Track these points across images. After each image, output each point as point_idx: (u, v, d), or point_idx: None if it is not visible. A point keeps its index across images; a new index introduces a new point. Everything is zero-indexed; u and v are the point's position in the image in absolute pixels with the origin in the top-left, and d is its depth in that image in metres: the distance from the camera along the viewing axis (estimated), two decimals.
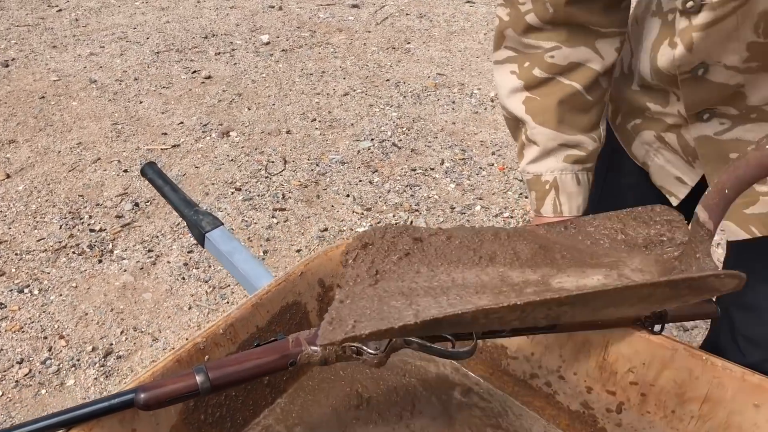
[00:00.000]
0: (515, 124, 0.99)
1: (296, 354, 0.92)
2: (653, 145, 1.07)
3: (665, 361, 0.99)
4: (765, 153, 0.62)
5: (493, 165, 2.74)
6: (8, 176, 2.65)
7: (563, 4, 0.88)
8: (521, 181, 1.01)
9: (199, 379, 0.87)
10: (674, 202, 1.12)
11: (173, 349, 1.95)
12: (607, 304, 0.69)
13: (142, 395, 0.86)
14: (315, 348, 0.92)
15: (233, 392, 1.06)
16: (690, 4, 0.77)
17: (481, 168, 2.72)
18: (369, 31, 4.21)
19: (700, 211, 0.72)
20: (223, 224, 1.35)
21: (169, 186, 1.42)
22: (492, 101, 3.27)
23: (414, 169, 2.70)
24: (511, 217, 2.40)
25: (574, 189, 0.99)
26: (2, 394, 1.71)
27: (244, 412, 1.09)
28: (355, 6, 4.71)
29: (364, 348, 0.91)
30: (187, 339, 1.72)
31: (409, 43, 4.05)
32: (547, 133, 0.95)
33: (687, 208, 1.09)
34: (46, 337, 1.90)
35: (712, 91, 0.87)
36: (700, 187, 1.05)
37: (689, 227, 0.78)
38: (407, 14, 4.57)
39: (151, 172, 1.46)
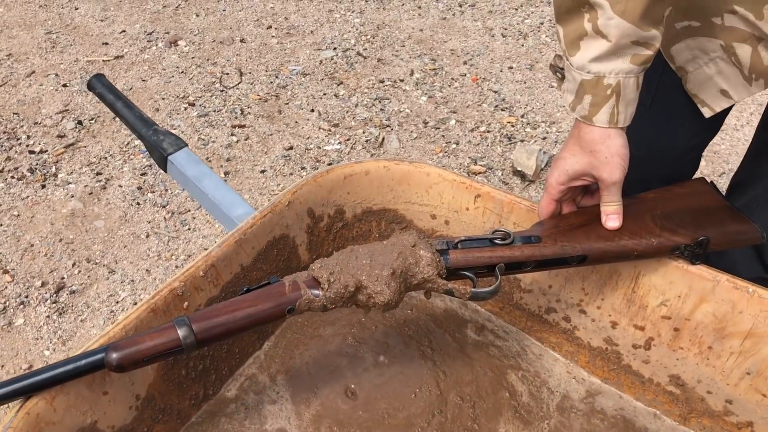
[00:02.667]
0: (576, 5, 0.80)
1: (294, 299, 0.78)
2: (712, 54, 0.94)
3: (705, 294, 0.89)
4: None
5: (465, 75, 2.58)
6: None
7: None
8: (556, 72, 0.84)
9: (181, 333, 0.74)
10: (706, 113, 1.01)
11: (132, 281, 1.77)
12: None
13: (114, 355, 0.72)
14: (316, 292, 0.79)
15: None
16: None
17: (453, 79, 2.56)
18: None
19: None
20: (186, 145, 1.18)
21: (122, 102, 1.25)
22: (460, 6, 3.06)
23: (382, 81, 2.52)
24: (488, 131, 2.26)
25: (633, 95, 0.83)
26: None
27: (230, 362, 0.96)
28: None
29: (371, 289, 0.79)
30: (159, 282, 1.57)
31: None
32: (625, 27, 0.76)
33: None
34: None
35: None
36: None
37: None
38: None
39: (99, 85, 1.28)
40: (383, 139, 2.20)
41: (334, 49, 2.71)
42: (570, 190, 0.90)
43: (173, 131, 2.16)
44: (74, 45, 2.68)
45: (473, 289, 0.81)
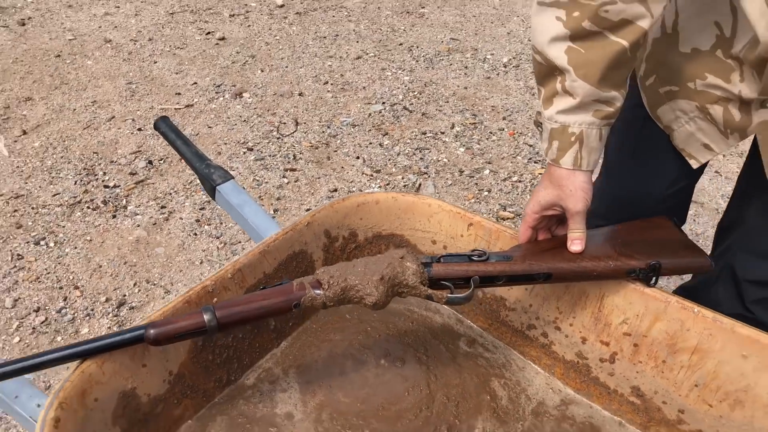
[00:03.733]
0: (549, 71, 0.97)
1: (300, 297, 0.95)
2: (690, 113, 1.09)
3: (658, 313, 1.02)
4: None
5: (503, 130, 2.75)
6: (25, 132, 2.70)
7: None
8: (538, 126, 1.00)
9: (206, 317, 0.92)
10: (694, 164, 1.15)
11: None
12: None
13: (152, 331, 0.91)
14: (318, 291, 0.96)
15: (240, 334, 1.10)
16: None
17: (491, 132, 2.74)
18: None
19: None
20: (233, 177, 1.38)
21: (181, 140, 1.46)
22: (504, 66, 3.26)
23: (424, 133, 2.72)
24: (520, 181, 2.41)
25: (596, 144, 0.98)
26: (20, 340, 1.78)
27: (251, 354, 1.13)
28: None
29: (362, 291, 0.95)
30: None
31: (423, 7, 4.03)
32: (586, 88, 0.93)
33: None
34: (61, 287, 1.95)
35: None
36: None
37: None
38: None
39: (163, 125, 1.49)
40: (420, 184, 2.39)
41: (383, 103, 2.94)
42: (544, 218, 1.06)
43: (232, 172, 2.40)
44: (151, 94, 2.99)
45: (449, 295, 0.97)
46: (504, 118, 2.84)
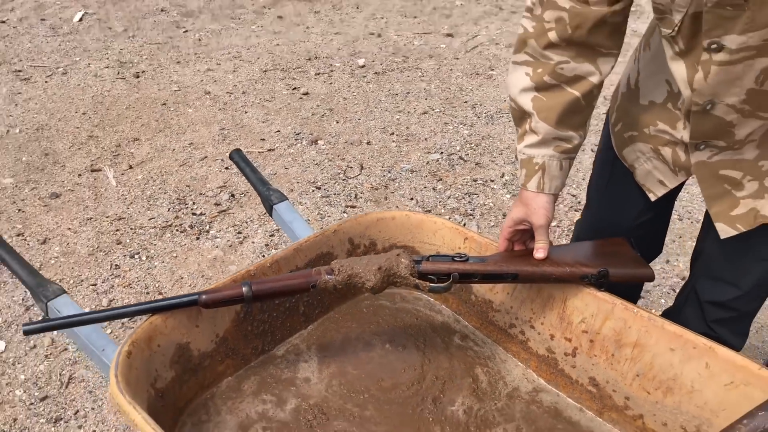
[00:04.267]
0: (521, 115, 1.23)
1: (316, 280, 1.24)
2: (646, 154, 1.33)
3: (607, 313, 1.24)
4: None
5: None
6: (131, 167, 3.15)
7: (584, 31, 1.10)
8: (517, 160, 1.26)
9: (244, 289, 1.22)
10: (652, 197, 1.37)
11: None
12: None
13: (204, 296, 1.22)
14: (330, 276, 1.24)
15: (275, 313, 1.39)
16: (714, 46, 0.97)
17: None
18: (457, 58, 4.54)
19: None
20: (287, 199, 1.69)
21: (250, 168, 1.78)
22: None
23: (475, 180, 2.99)
24: (558, 227, 2.63)
25: (557, 173, 1.24)
26: (111, 332, 2.13)
27: (283, 332, 1.42)
28: (449, 35, 5.05)
29: (363, 278, 1.23)
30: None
31: (492, 69, 4.34)
32: (546, 128, 1.19)
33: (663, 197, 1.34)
34: (148, 293, 2.32)
35: (713, 124, 1.10)
36: (676, 188, 1.30)
37: None
38: (497, 44, 4.87)
39: (237, 156, 1.82)
40: (465, 224, 2.64)
41: (441, 153, 3.24)
42: (517, 232, 1.31)
43: (300, 207, 2.74)
44: (239, 139, 3.41)
45: (431, 284, 1.23)
46: None
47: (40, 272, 2.38)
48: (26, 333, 1.17)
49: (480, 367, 1.39)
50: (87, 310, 1.37)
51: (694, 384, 1.14)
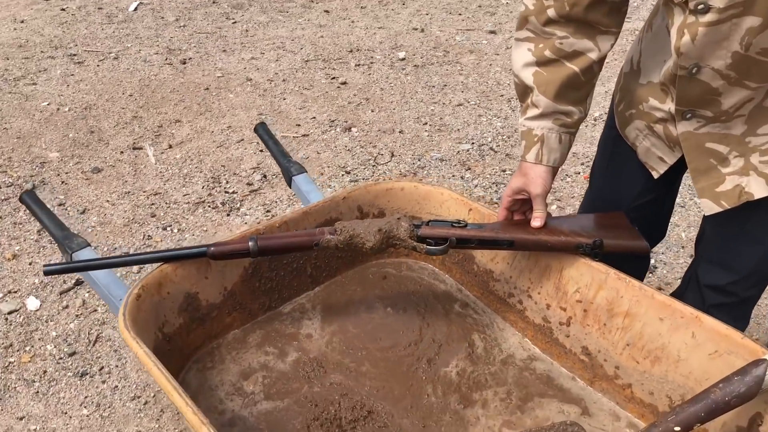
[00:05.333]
0: (524, 89, 1.27)
1: (319, 238, 1.30)
2: (643, 131, 1.35)
3: (601, 283, 1.27)
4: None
5: (579, 173, 2.98)
6: (170, 147, 3.26)
7: (581, 8, 1.14)
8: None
9: (251, 244, 1.28)
10: (655, 175, 1.39)
11: None
12: None
13: (213, 248, 1.29)
14: (332, 236, 1.29)
15: (282, 272, 1.45)
16: (701, 6, 0.99)
17: (567, 174, 2.97)
18: (498, 54, 4.55)
19: None
20: (306, 171, 1.75)
21: (272, 141, 1.85)
22: (594, 120, 3.49)
23: (504, 170, 3.01)
24: (562, 209, 2.63)
25: (556, 145, 1.27)
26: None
27: (289, 291, 1.48)
28: (492, 32, 5.06)
29: (363, 238, 1.28)
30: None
31: None
32: (546, 102, 1.23)
33: (665, 178, 1.35)
34: None
35: (699, 90, 1.11)
36: (676, 165, 1.31)
37: None
38: None
39: (261, 130, 1.89)
40: None
41: (473, 143, 3.26)
42: (516, 202, 1.34)
43: (328, 189, 2.81)
44: (276, 124, 3.50)
45: (428, 247, 1.28)
46: (582, 164, 3.07)
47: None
48: (46, 273, 1.26)
49: (477, 333, 1.42)
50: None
51: (681, 353, 1.16)
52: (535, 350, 1.39)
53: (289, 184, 1.75)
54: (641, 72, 1.32)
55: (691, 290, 1.43)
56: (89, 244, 1.38)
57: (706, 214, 1.25)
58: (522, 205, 1.36)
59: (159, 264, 1.29)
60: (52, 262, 2.31)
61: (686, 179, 1.45)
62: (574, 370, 1.33)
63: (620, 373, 1.26)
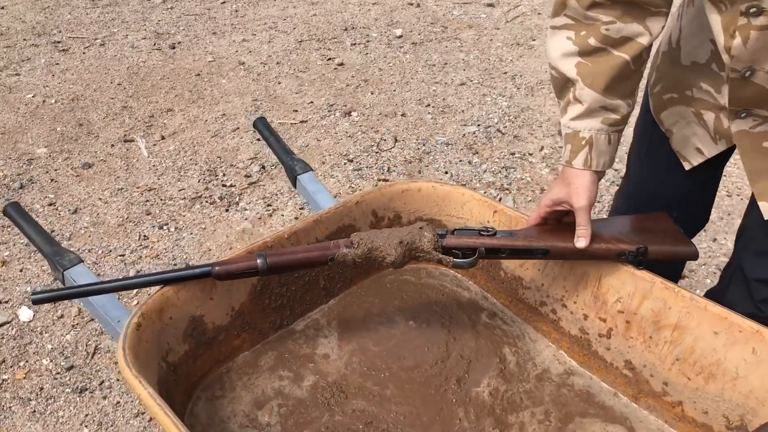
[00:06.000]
0: (563, 83, 1.13)
1: (334, 253, 1.18)
2: (687, 118, 1.23)
3: (646, 292, 1.16)
4: None
5: None
6: (163, 138, 3.13)
7: None
8: (560, 135, 1.17)
9: (259, 261, 1.16)
10: (687, 166, 1.28)
11: None
12: None
13: (217, 268, 1.16)
14: (349, 250, 1.17)
15: (294, 287, 1.34)
16: (753, 9, 0.89)
17: None
18: (498, 28, 4.40)
19: None
20: (312, 170, 1.63)
21: (274, 137, 1.72)
22: None
23: (513, 153, 2.89)
24: (598, 202, 2.52)
25: (605, 148, 1.13)
26: (137, 303, 2.12)
27: (302, 306, 1.36)
28: (490, 5, 4.91)
29: (384, 251, 1.16)
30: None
31: (534, 39, 4.20)
32: (593, 96, 1.09)
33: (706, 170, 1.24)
34: (176, 264, 2.29)
35: (753, 92, 1.01)
36: (722, 159, 1.19)
37: None
38: (539, 13, 4.71)
39: (260, 124, 1.77)
40: (500, 199, 2.55)
41: (478, 125, 3.13)
42: (554, 212, 1.21)
43: (331, 180, 2.69)
44: (272, 110, 3.36)
45: (454, 260, 1.16)
46: None
47: (69, 242, 2.39)
48: (35, 302, 1.14)
49: (508, 346, 1.31)
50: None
51: (739, 370, 1.06)
52: (572, 363, 1.28)
53: (294, 184, 1.63)
54: (682, 51, 1.20)
55: (736, 284, 1.32)
56: (82, 261, 1.26)
57: (767, 219, 1.13)
58: (557, 214, 1.23)
59: (159, 287, 1.17)
60: (37, 289, 2.19)
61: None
62: (616, 386, 1.23)
63: (669, 390, 1.16)
